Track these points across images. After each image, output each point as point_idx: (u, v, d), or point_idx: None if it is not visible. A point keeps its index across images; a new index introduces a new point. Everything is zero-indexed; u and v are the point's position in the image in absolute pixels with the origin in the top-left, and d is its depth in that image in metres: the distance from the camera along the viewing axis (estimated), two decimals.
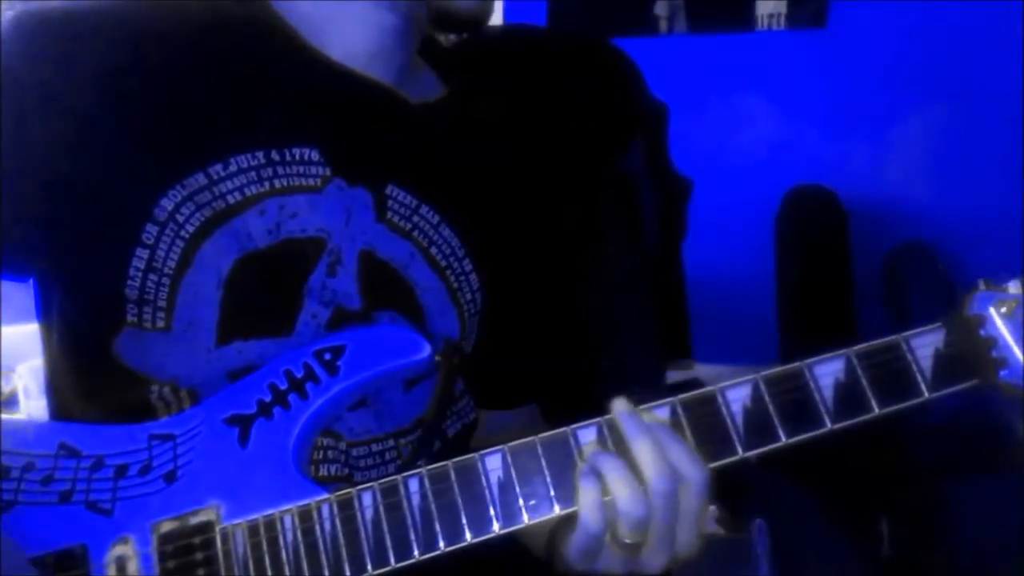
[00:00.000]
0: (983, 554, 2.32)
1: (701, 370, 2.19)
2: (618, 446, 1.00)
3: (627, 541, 0.99)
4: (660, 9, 3.18)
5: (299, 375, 1.05)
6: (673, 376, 2.01)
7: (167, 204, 1.07)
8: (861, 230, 2.99)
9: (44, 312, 1.19)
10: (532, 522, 0.99)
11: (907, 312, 2.77)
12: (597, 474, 0.99)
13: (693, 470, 0.99)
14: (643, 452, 0.98)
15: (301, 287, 1.12)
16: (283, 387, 1.04)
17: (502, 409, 1.32)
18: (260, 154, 1.11)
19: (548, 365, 1.36)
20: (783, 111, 3.21)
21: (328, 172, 1.14)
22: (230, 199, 1.09)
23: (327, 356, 1.06)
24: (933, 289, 2.73)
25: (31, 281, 1.18)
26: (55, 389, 1.22)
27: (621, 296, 1.75)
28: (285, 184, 1.12)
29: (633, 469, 0.98)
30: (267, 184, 1.11)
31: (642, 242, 1.86)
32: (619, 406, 1.02)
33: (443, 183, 1.21)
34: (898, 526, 2.57)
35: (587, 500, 0.98)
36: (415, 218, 1.18)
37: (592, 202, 1.69)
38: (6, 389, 2.52)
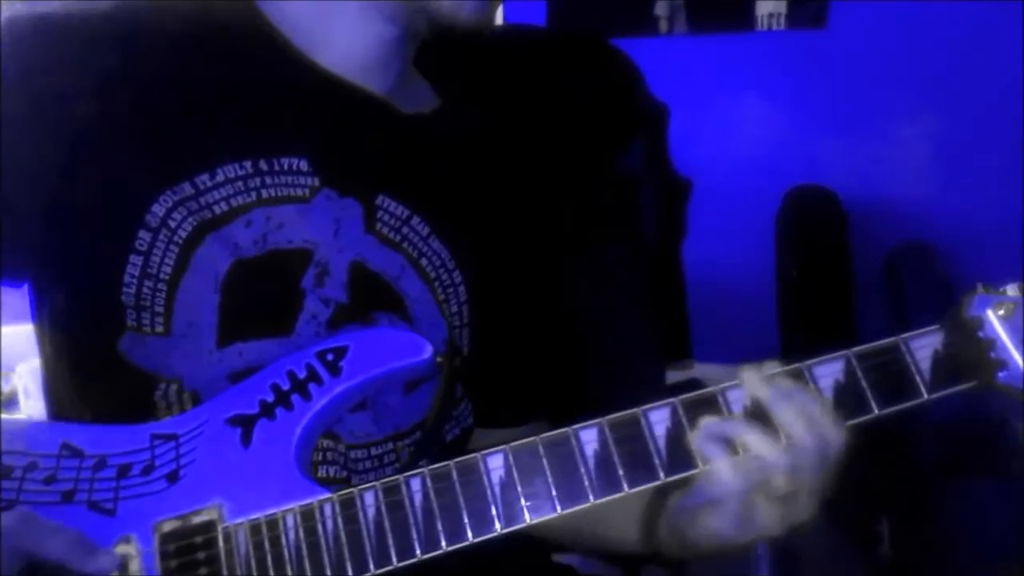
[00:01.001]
0: (983, 554, 2.32)
1: (701, 370, 2.19)
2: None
3: (784, 492, 1.00)
4: (660, 9, 3.19)
5: (302, 375, 1.05)
6: (673, 376, 2.01)
7: (158, 210, 1.07)
8: (861, 230, 2.99)
9: (39, 316, 1.18)
10: (533, 522, 0.99)
11: (906, 312, 2.77)
12: (716, 439, 1.00)
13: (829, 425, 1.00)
14: (786, 412, 0.99)
15: (297, 290, 1.11)
16: (285, 387, 1.05)
17: (504, 427, 1.30)
18: (248, 164, 1.11)
19: (546, 377, 1.35)
20: (783, 111, 3.21)
21: (317, 182, 1.13)
22: (216, 209, 1.09)
23: (329, 357, 1.06)
24: (932, 290, 2.73)
25: (26, 285, 1.18)
26: (53, 391, 1.22)
27: (621, 296, 1.75)
28: (273, 194, 1.11)
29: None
30: (254, 194, 1.10)
31: (642, 242, 1.86)
32: (748, 375, 1.02)
33: (434, 194, 1.20)
34: (898, 526, 2.57)
35: (720, 465, 0.99)
36: (405, 229, 1.17)
37: (592, 202, 1.69)
38: (6, 389, 2.53)
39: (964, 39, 3.03)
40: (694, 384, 1.10)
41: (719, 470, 0.99)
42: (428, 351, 1.08)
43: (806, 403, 1.00)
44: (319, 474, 1.10)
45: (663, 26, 3.20)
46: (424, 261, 1.18)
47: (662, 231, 1.93)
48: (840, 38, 3.13)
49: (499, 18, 2.99)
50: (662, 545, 1.14)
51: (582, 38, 2.10)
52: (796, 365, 1.03)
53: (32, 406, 2.40)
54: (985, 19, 2.97)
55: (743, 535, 1.04)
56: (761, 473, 1.00)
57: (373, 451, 1.14)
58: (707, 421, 1.01)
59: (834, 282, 2.95)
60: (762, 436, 0.99)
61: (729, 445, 1.00)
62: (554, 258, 1.36)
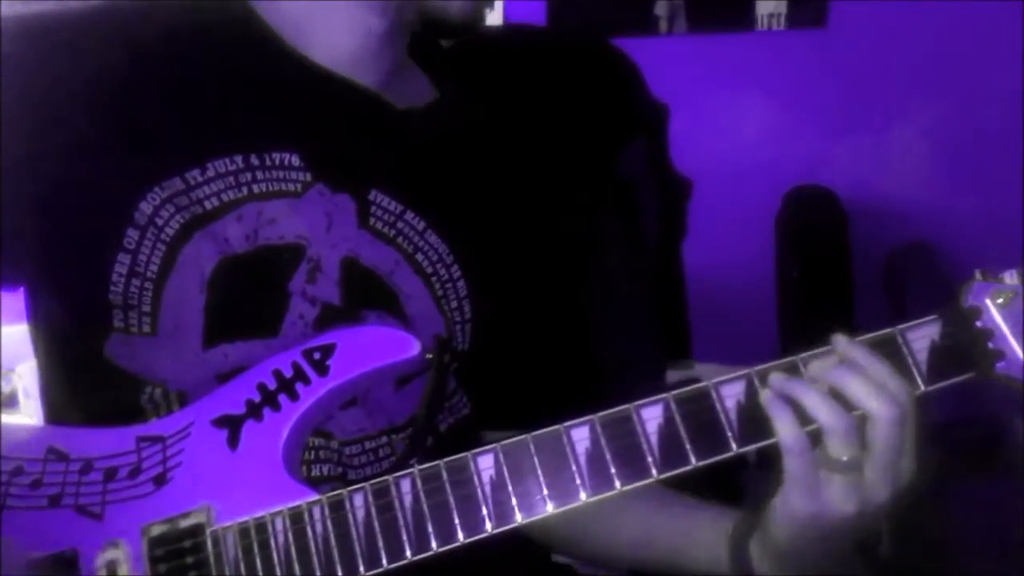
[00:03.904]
0: (983, 555, 2.31)
1: (701, 370, 2.18)
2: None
3: (844, 459, 0.96)
4: (660, 9, 3.19)
5: (288, 375, 1.04)
6: (673, 376, 2.01)
7: (146, 208, 1.07)
8: (861, 230, 2.99)
9: (34, 317, 1.18)
10: (524, 521, 0.98)
11: (907, 313, 2.76)
12: (785, 398, 0.97)
13: (900, 389, 0.97)
14: (854, 384, 0.96)
15: (284, 290, 1.11)
16: (272, 387, 1.04)
17: (508, 428, 1.30)
18: (239, 159, 1.10)
19: (556, 375, 1.35)
20: (783, 111, 3.21)
21: (309, 177, 1.13)
22: (207, 204, 1.08)
23: (316, 355, 1.05)
24: (933, 290, 2.73)
25: (22, 288, 1.18)
26: (48, 392, 1.22)
27: (621, 296, 1.74)
28: (264, 189, 1.11)
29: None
30: (245, 189, 1.10)
31: (642, 243, 1.86)
32: (841, 339, 0.99)
33: (429, 189, 1.19)
34: (898, 526, 2.56)
35: (784, 425, 0.96)
36: (399, 224, 1.17)
37: (591, 203, 1.69)
38: (6, 389, 2.52)
39: (964, 39, 3.02)
40: (694, 384, 1.09)
41: (783, 432, 0.97)
42: (416, 347, 1.07)
43: (877, 371, 0.97)
44: (312, 473, 1.10)
45: (663, 26, 3.20)
46: (420, 256, 1.17)
47: (662, 231, 1.93)
48: (840, 38, 3.13)
49: (499, 18, 3.00)
50: (754, 565, 1.10)
51: (582, 38, 2.10)
52: (791, 359, 1.01)
53: (32, 406, 2.40)
54: (985, 19, 2.96)
55: (817, 512, 0.99)
56: (817, 438, 0.97)
57: (367, 445, 1.14)
58: (774, 378, 0.98)
59: (834, 282, 2.95)
60: (819, 397, 0.96)
61: (797, 409, 0.97)
62: (554, 255, 1.35)
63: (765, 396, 0.98)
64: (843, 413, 0.96)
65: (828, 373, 0.98)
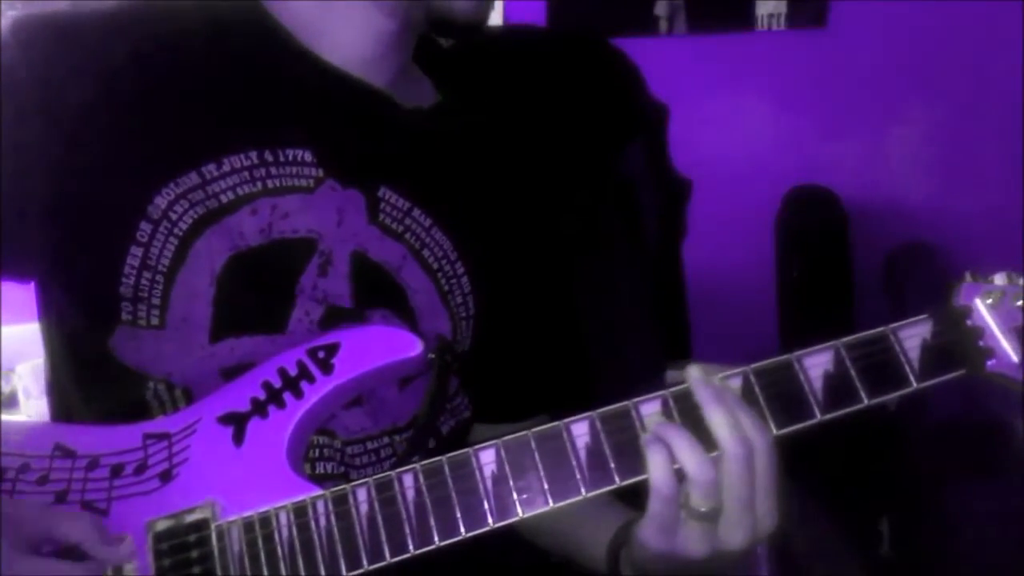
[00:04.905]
0: (983, 554, 2.31)
1: None
2: (683, 416, 1.00)
3: (702, 509, 0.98)
4: (660, 9, 3.18)
5: (293, 373, 1.05)
6: (673, 376, 2.01)
7: (160, 202, 1.08)
8: (861, 230, 2.99)
9: (44, 312, 1.20)
10: (526, 516, 0.99)
11: (907, 313, 2.77)
12: (663, 441, 0.98)
13: (760, 436, 0.99)
14: (718, 418, 0.98)
15: (293, 287, 1.12)
16: (277, 385, 1.05)
17: (506, 422, 1.30)
18: (253, 154, 1.12)
19: (548, 371, 1.35)
20: (783, 111, 3.20)
21: (321, 173, 1.14)
22: (223, 198, 1.10)
23: (321, 354, 1.06)
24: (933, 290, 2.73)
25: (33, 282, 1.18)
26: (55, 388, 1.23)
27: (621, 296, 1.75)
28: (278, 184, 1.12)
29: (699, 437, 0.98)
30: (259, 184, 1.11)
31: (642, 243, 1.86)
32: (694, 373, 1.01)
33: (435, 187, 1.21)
34: (898, 526, 2.57)
35: (657, 465, 0.98)
36: (407, 220, 1.18)
37: (591, 203, 1.69)
38: (6, 389, 2.53)
39: (964, 39, 3.03)
40: None
41: (655, 471, 0.98)
42: (419, 347, 1.08)
43: (735, 407, 0.99)
44: (316, 471, 1.10)
45: (663, 26, 3.19)
46: (426, 252, 1.19)
47: (662, 231, 1.93)
48: (840, 38, 3.12)
49: (499, 18, 3.00)
50: (622, 570, 1.13)
51: (582, 38, 2.10)
52: (785, 356, 1.03)
53: (32, 406, 2.40)
54: (985, 19, 2.97)
55: (668, 551, 1.02)
56: (682, 486, 0.98)
57: (369, 445, 1.15)
58: (655, 421, 1.00)
59: (834, 282, 2.95)
60: (690, 445, 0.97)
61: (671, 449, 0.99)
62: (556, 253, 1.36)
63: (643, 438, 0.99)
64: (709, 466, 0.97)
65: (698, 390, 1.00)
